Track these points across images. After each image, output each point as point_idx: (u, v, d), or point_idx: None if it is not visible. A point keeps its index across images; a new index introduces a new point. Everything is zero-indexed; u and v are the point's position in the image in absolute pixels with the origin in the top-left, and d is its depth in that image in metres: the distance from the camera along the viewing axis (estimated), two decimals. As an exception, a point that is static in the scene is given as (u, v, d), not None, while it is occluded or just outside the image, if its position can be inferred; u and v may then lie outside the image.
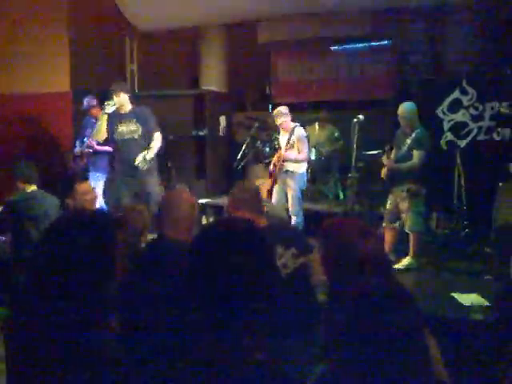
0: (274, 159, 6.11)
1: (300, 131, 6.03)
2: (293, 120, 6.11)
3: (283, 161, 5.95)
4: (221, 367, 1.11)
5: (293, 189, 5.94)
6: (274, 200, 6.06)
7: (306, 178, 6.19)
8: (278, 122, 6.03)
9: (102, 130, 5.39)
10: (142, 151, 5.19)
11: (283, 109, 6.09)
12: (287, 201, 6.01)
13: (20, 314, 1.47)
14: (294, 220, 5.93)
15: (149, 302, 2.09)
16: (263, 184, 6.14)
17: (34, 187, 4.32)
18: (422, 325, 1.82)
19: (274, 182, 6.04)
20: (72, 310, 1.38)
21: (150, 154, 5.13)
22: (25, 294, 1.51)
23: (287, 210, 6.01)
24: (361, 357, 1.18)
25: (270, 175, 6.13)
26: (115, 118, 5.31)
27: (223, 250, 1.15)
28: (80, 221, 1.52)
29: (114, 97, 5.23)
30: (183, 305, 1.20)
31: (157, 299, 2.06)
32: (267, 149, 7.04)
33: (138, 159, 5.10)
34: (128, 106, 5.37)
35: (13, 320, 1.49)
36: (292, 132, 6.00)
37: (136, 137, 5.29)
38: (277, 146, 6.58)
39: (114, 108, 5.26)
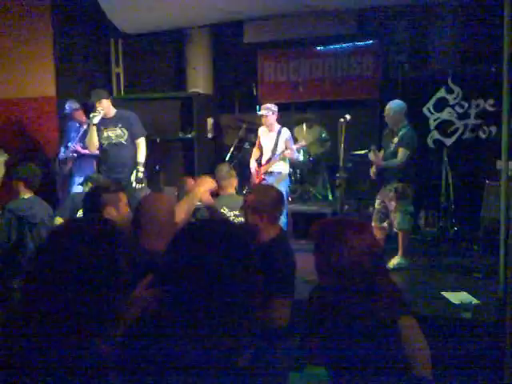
0: (257, 170, 6.06)
1: (288, 132, 6.04)
2: (279, 121, 6.12)
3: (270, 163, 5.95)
4: (202, 373, 1.09)
5: (281, 189, 5.93)
6: None
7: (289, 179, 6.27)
8: (269, 116, 5.92)
9: (92, 139, 5.31)
10: (129, 156, 5.28)
11: (273, 106, 6.07)
12: None
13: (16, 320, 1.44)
14: (280, 220, 5.93)
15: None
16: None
17: (32, 194, 4.14)
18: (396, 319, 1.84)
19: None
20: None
21: (141, 169, 5.24)
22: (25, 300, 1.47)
23: None
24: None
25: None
26: (101, 124, 5.29)
27: (201, 250, 1.13)
28: (84, 227, 1.49)
29: (97, 105, 5.22)
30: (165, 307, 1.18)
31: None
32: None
33: (133, 183, 5.22)
34: (111, 111, 5.35)
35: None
36: (279, 133, 5.98)
37: (123, 141, 5.30)
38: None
39: (99, 117, 5.21)
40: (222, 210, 4.25)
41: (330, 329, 1.92)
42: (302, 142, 6.29)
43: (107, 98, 5.32)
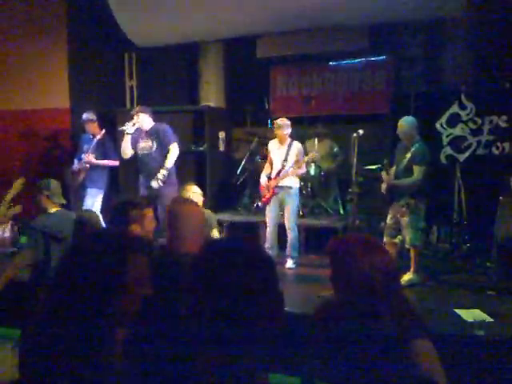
0: (267, 184, 6.05)
1: (299, 145, 6.02)
2: (291, 135, 6.11)
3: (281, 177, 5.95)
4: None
5: (291, 204, 5.92)
6: (268, 216, 6.03)
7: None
8: (283, 132, 5.93)
9: (124, 147, 5.85)
10: (158, 165, 5.74)
11: (287, 120, 6.06)
12: (282, 215, 6.00)
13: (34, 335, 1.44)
14: (289, 234, 5.91)
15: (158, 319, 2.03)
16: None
17: (57, 208, 4.14)
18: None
19: (269, 199, 6.02)
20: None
21: (162, 171, 5.69)
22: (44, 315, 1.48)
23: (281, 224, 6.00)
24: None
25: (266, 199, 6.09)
26: (137, 136, 5.87)
27: (227, 268, 1.13)
28: (99, 241, 1.50)
29: (135, 117, 5.79)
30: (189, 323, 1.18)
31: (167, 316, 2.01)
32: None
33: (153, 182, 5.69)
34: (148, 125, 5.87)
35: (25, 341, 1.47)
36: (290, 146, 5.98)
37: (152, 152, 5.83)
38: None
39: (134, 128, 5.76)
40: None
41: (336, 346, 1.90)
42: (313, 154, 6.26)
43: (145, 113, 5.84)
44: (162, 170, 5.68)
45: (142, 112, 5.83)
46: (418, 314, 2.05)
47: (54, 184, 4.21)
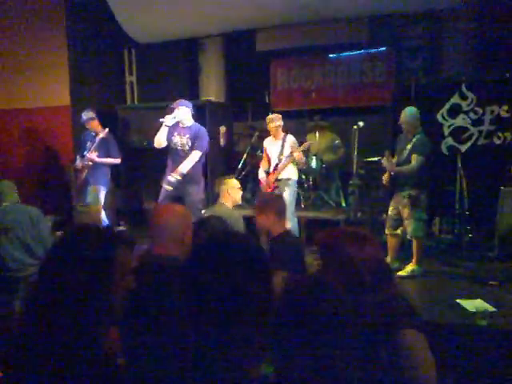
0: (267, 180, 6.16)
1: (293, 138, 6.13)
2: (291, 128, 6.18)
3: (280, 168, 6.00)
4: None
5: (288, 195, 5.95)
6: None
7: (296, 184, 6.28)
8: (275, 125, 6.07)
9: (159, 137, 5.68)
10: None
11: (278, 114, 6.22)
12: None
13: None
14: (287, 225, 5.92)
15: (146, 320, 2.03)
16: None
17: (7, 203, 4.33)
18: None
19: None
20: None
21: (175, 175, 5.52)
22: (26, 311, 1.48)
23: None
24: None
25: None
26: (174, 129, 5.69)
27: (219, 265, 1.14)
28: (83, 237, 1.50)
29: (175, 110, 5.61)
30: (180, 322, 1.18)
31: (153, 317, 2.01)
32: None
33: (164, 184, 5.60)
34: (187, 121, 5.70)
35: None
36: (284, 140, 6.08)
37: (185, 149, 5.66)
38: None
39: (173, 121, 5.58)
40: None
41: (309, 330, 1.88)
42: (306, 143, 6.26)
43: (186, 107, 5.68)
44: (173, 174, 5.52)
45: (182, 105, 5.66)
46: (411, 304, 2.02)
47: (4, 185, 4.39)
